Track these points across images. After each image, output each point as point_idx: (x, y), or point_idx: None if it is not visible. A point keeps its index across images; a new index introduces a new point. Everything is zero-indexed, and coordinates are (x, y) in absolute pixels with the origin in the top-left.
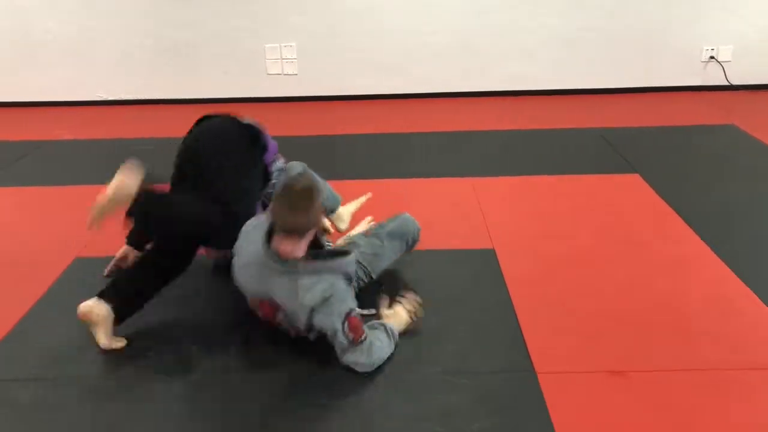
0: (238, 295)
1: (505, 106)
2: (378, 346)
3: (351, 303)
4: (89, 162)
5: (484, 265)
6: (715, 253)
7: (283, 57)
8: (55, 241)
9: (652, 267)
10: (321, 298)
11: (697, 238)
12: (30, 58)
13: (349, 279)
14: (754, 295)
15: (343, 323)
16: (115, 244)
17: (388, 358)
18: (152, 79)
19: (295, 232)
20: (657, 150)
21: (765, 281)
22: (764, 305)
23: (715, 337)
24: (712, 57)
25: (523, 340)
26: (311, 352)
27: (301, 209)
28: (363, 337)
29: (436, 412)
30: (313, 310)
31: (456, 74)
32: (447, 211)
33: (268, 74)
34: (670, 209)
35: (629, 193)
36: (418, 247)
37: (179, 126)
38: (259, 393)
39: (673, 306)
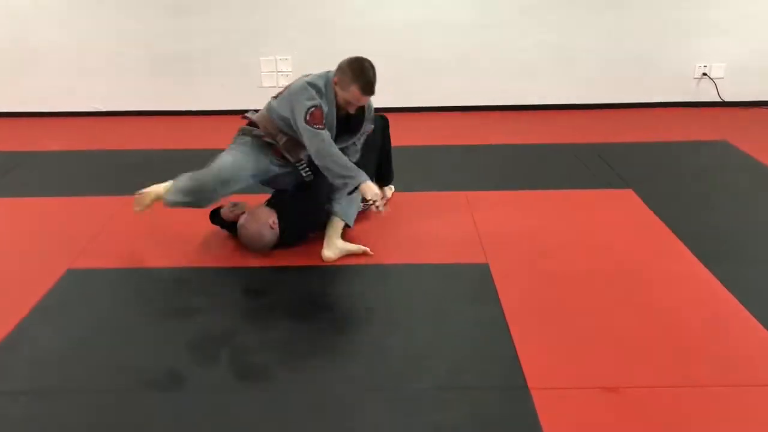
0: (230, 308)
1: (500, 121)
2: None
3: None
4: (83, 173)
5: (477, 279)
6: (708, 269)
7: (279, 70)
8: (48, 252)
9: (645, 283)
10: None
11: (689, 254)
12: (26, 68)
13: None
14: (747, 312)
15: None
16: (106, 257)
17: (384, 371)
18: (148, 91)
19: None
20: (650, 166)
21: (758, 298)
22: (758, 322)
23: (708, 354)
24: (704, 74)
25: (517, 355)
26: (303, 366)
27: None
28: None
29: (429, 429)
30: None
31: (452, 89)
32: (441, 225)
33: (263, 87)
34: (663, 225)
35: (623, 209)
36: (412, 260)
37: (174, 137)
38: (249, 407)
39: (667, 323)
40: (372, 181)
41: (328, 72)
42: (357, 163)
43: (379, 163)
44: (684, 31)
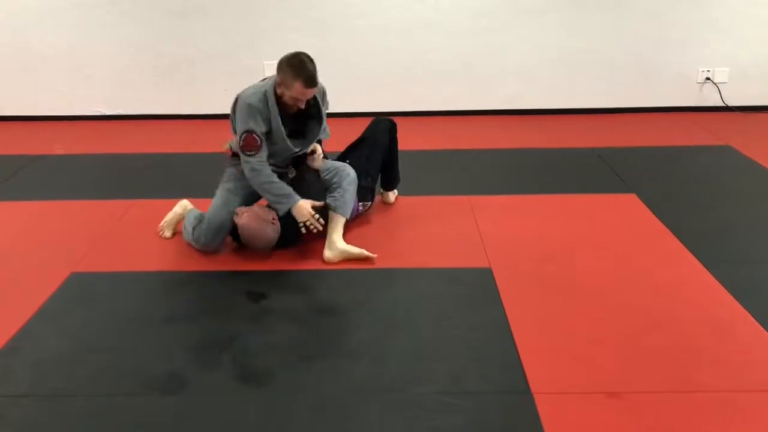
0: (232, 312)
1: (503, 125)
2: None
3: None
4: (86, 177)
5: (480, 283)
6: (711, 273)
7: None
8: (51, 256)
9: (648, 288)
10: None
11: (693, 258)
12: (29, 73)
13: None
14: (751, 317)
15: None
16: (109, 260)
17: (386, 375)
18: (151, 95)
19: None
20: (653, 170)
21: (762, 302)
22: (761, 327)
23: (711, 358)
24: (708, 78)
25: (520, 360)
26: (305, 370)
27: None
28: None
29: None
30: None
31: (454, 93)
32: (444, 229)
33: None
34: (666, 229)
35: (626, 213)
36: (414, 265)
37: (177, 141)
38: (250, 411)
39: (670, 327)
40: (375, 180)
41: (265, 80)
42: (359, 161)
43: (385, 167)
44: (687, 35)
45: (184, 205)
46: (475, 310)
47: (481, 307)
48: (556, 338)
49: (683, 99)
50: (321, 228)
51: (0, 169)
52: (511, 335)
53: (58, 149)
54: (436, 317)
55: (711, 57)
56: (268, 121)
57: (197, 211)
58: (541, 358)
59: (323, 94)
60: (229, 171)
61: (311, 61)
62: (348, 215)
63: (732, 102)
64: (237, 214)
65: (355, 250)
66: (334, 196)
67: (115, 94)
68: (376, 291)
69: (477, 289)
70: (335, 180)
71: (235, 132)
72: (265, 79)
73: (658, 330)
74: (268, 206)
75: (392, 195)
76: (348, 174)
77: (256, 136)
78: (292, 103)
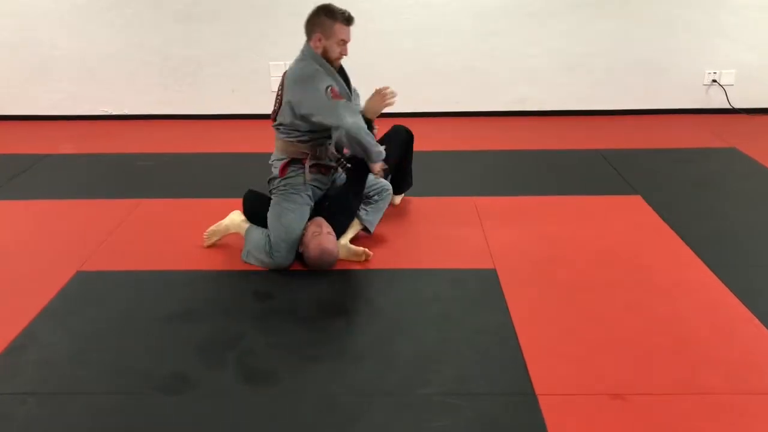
0: (238, 311)
1: (508, 127)
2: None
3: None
4: (92, 176)
5: (485, 285)
6: (716, 276)
7: None
8: (58, 254)
9: (653, 290)
10: None
11: (699, 261)
12: (37, 73)
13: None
14: (757, 320)
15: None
16: (115, 259)
17: (391, 377)
18: (158, 96)
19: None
20: (659, 172)
21: (767, 305)
22: (766, 330)
23: (716, 361)
24: (714, 81)
25: (524, 362)
26: (310, 370)
27: None
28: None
29: None
30: None
31: (460, 95)
32: (449, 231)
33: (272, 91)
34: (671, 231)
35: (631, 215)
36: (419, 265)
37: (185, 141)
38: (255, 411)
39: (675, 330)
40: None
41: (303, 52)
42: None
43: (397, 172)
44: (694, 37)
45: (234, 219)
46: (480, 312)
47: (486, 308)
48: (561, 340)
49: (689, 101)
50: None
51: (7, 168)
52: (516, 337)
53: (66, 148)
54: (441, 318)
55: (717, 59)
56: (334, 81)
57: (260, 232)
58: (545, 360)
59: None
60: (290, 181)
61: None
62: (372, 229)
63: (738, 104)
64: (303, 244)
65: (358, 249)
66: (367, 210)
67: (122, 94)
68: (382, 292)
69: (481, 290)
70: (375, 197)
71: (305, 106)
72: (299, 59)
73: (662, 332)
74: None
75: (398, 197)
76: (387, 195)
77: (337, 88)
78: (340, 50)
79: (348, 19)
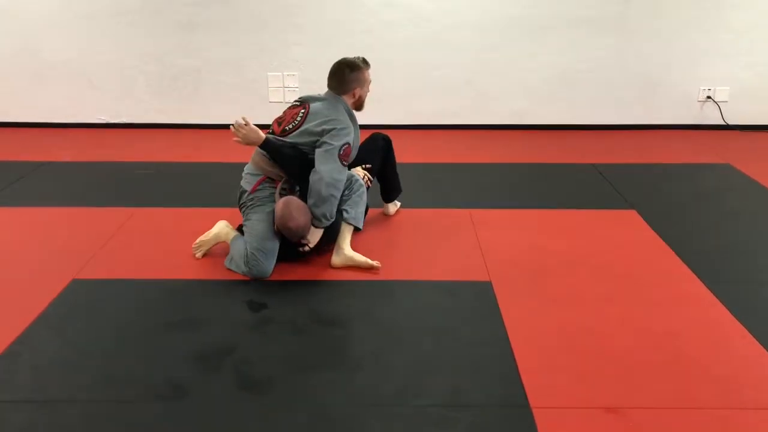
0: (233, 321)
1: (505, 140)
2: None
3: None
4: (90, 184)
5: (480, 297)
6: (711, 291)
7: (285, 86)
8: (54, 262)
9: (648, 304)
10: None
11: (693, 275)
12: (35, 80)
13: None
14: (751, 336)
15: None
16: (112, 267)
17: (385, 387)
18: (154, 104)
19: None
20: (654, 187)
21: (761, 321)
22: (760, 345)
23: (711, 376)
24: (708, 97)
25: (519, 374)
26: (305, 380)
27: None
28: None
29: None
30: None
31: (457, 108)
32: (445, 242)
33: (270, 102)
34: (666, 246)
35: (626, 229)
36: (415, 277)
37: (182, 151)
38: (250, 420)
39: (670, 344)
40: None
41: (335, 101)
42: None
43: (382, 180)
44: (688, 54)
45: (222, 227)
46: (475, 324)
47: (481, 320)
48: (556, 353)
49: (684, 117)
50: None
51: (4, 175)
52: (511, 349)
53: (64, 156)
54: (436, 330)
55: (712, 76)
56: (354, 133)
57: (243, 242)
58: (540, 373)
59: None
60: (258, 194)
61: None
62: (360, 225)
63: (732, 121)
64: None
65: (360, 258)
66: (346, 209)
67: (121, 103)
68: (377, 303)
69: (477, 302)
70: (346, 192)
71: (328, 135)
72: (320, 97)
73: (657, 346)
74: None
75: (392, 207)
76: (359, 186)
77: (351, 147)
78: (366, 95)
79: (368, 63)
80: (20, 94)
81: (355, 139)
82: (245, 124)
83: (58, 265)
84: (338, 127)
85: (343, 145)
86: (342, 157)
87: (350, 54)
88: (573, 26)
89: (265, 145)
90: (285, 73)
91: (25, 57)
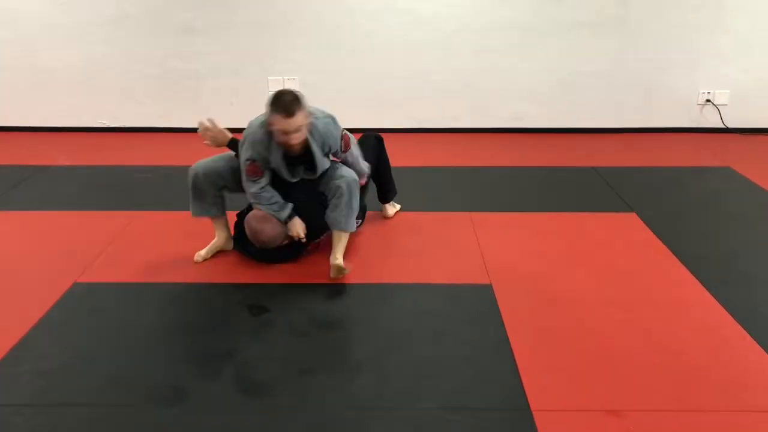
0: (234, 324)
1: (506, 143)
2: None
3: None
4: (91, 188)
5: (481, 300)
6: (711, 294)
7: None
8: (55, 266)
9: (649, 308)
10: None
11: (693, 278)
12: (36, 84)
13: None
14: (751, 338)
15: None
16: (112, 271)
17: (386, 391)
18: (155, 108)
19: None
20: (654, 190)
21: (762, 324)
22: (760, 348)
23: (711, 379)
24: (708, 100)
25: (519, 377)
26: (305, 384)
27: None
28: None
29: None
30: None
31: (457, 112)
32: (445, 246)
33: None
34: (666, 249)
35: (626, 232)
36: (415, 280)
37: (182, 154)
38: (250, 424)
39: (670, 347)
40: (362, 199)
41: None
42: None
43: (377, 181)
44: (688, 57)
45: (221, 238)
46: (476, 327)
47: (482, 323)
48: (556, 356)
49: (684, 120)
50: (304, 239)
51: (5, 179)
52: (511, 352)
53: (65, 160)
54: (436, 333)
55: (712, 79)
56: (268, 152)
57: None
58: (540, 376)
59: (326, 135)
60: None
61: (290, 93)
62: (352, 229)
63: (732, 124)
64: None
65: (347, 269)
66: (334, 213)
67: (121, 107)
68: (378, 306)
69: (477, 305)
70: (334, 201)
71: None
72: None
73: (657, 349)
74: None
75: (391, 209)
76: (342, 193)
77: (257, 165)
78: (282, 139)
79: (281, 112)
80: (21, 99)
81: (271, 157)
82: (211, 126)
83: (59, 268)
84: (243, 142)
85: (245, 163)
86: (247, 173)
87: (350, 58)
88: (573, 30)
89: (232, 144)
90: (285, 78)
91: (26, 61)
